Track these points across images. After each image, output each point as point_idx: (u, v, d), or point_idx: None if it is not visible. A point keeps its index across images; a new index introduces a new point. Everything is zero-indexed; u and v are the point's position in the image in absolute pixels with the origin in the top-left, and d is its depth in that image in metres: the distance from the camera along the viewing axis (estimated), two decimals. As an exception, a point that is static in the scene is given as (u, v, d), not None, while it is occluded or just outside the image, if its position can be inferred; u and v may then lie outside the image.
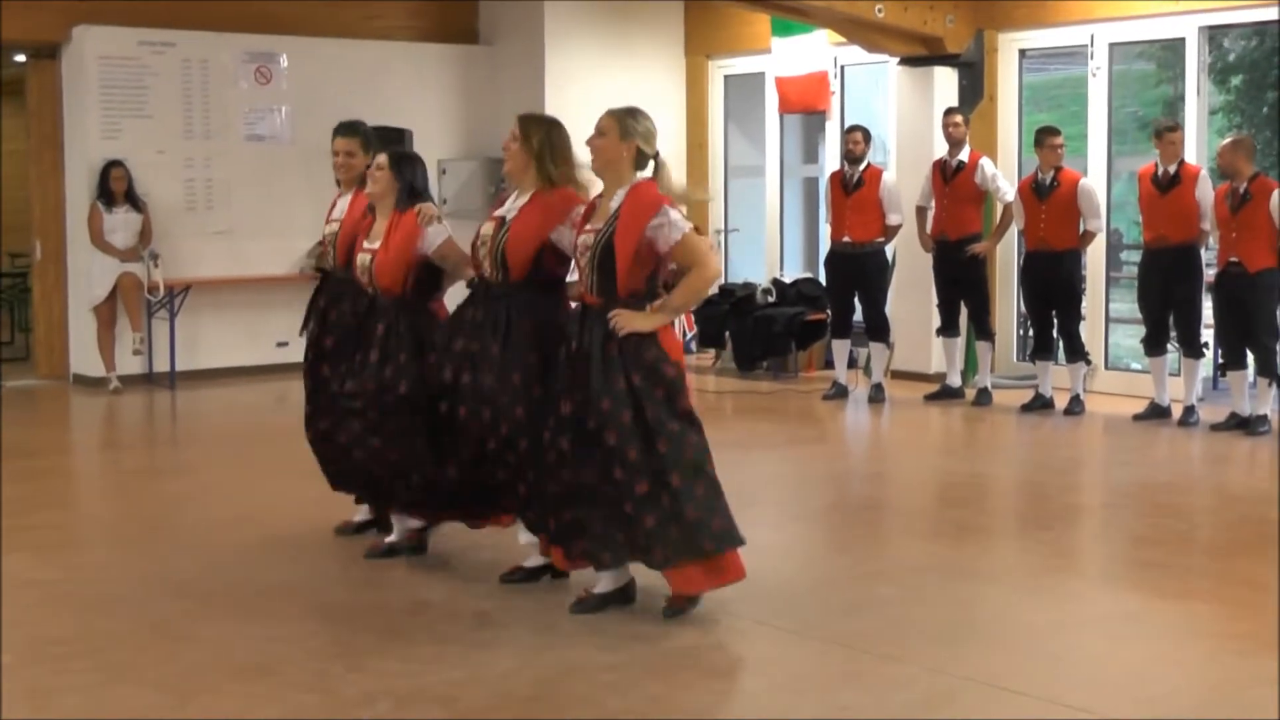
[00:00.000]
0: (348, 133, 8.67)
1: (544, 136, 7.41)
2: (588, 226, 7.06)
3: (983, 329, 13.95)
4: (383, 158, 8.07)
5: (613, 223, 6.91)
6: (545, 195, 7.37)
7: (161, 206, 15.39)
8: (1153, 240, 12.66)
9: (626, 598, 7.20)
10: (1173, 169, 12.48)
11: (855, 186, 14.11)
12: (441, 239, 7.92)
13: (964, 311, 14.05)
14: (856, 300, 14.39)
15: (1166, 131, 12.55)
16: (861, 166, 14.11)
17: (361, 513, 8.72)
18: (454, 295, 7.99)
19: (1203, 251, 12.69)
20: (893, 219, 14.12)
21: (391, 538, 8.29)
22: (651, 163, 7.06)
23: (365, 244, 8.11)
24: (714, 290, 16.47)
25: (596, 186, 7.24)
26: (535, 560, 7.65)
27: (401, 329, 7.88)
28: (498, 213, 7.55)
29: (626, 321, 6.85)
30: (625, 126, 6.99)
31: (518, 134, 7.44)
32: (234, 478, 10.86)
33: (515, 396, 7.28)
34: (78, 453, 12.94)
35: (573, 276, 7.36)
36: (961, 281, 13.89)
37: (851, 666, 6.49)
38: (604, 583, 7.17)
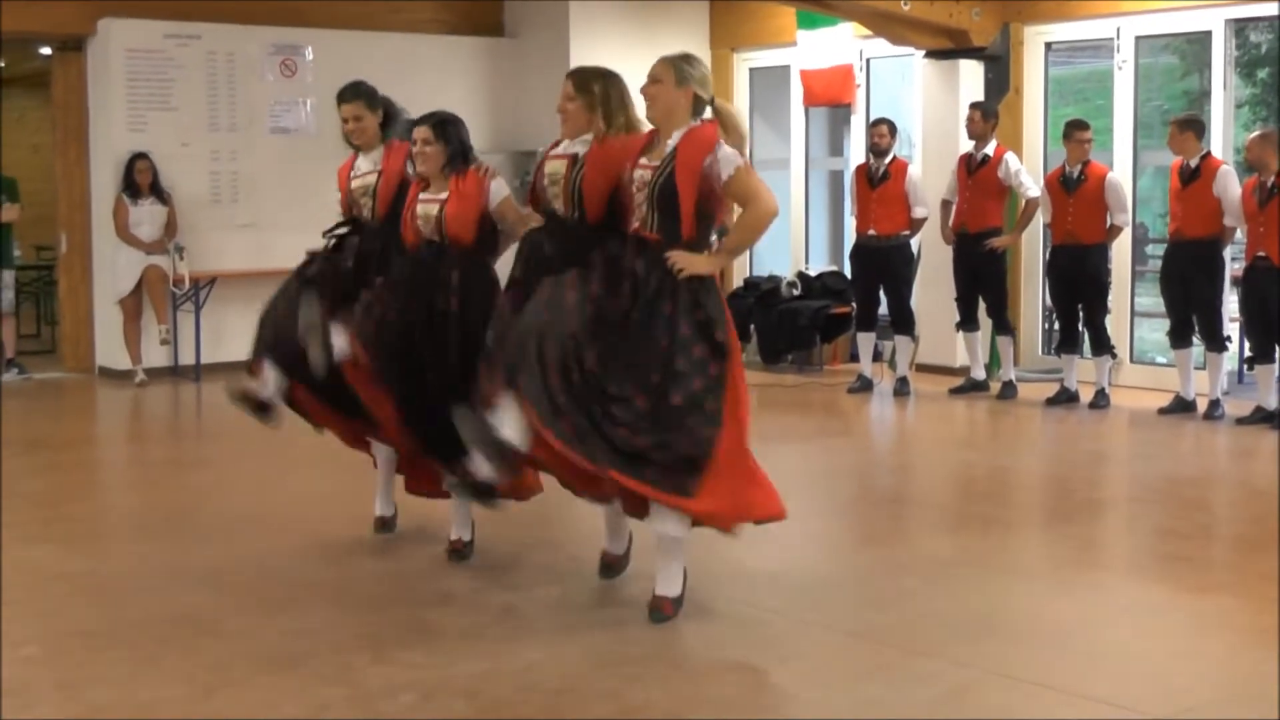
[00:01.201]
0: (350, 96, 8.47)
1: (604, 86, 7.29)
2: (643, 161, 6.93)
3: (1001, 323, 13.94)
4: (425, 131, 7.84)
5: (670, 161, 6.78)
6: (614, 139, 7.20)
7: (187, 199, 15.43)
8: (1174, 233, 12.65)
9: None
10: (1194, 163, 12.45)
11: (881, 179, 14.11)
12: (502, 195, 7.82)
13: (983, 305, 14.04)
14: (881, 293, 14.37)
15: (1175, 125, 12.55)
16: (887, 159, 14.10)
17: (380, 505, 8.68)
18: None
19: (1227, 247, 12.67)
20: (918, 212, 14.12)
21: (454, 535, 8.11)
22: (708, 108, 6.96)
23: (424, 196, 7.89)
24: (739, 282, 16.49)
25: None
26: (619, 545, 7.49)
27: (472, 280, 7.75)
28: (563, 150, 7.39)
29: (686, 263, 6.71)
30: (681, 72, 6.88)
31: (572, 90, 7.31)
32: (259, 470, 10.88)
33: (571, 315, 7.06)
34: (104, 445, 12.98)
35: None
36: (980, 275, 13.87)
37: (877, 660, 6.49)
38: (676, 580, 7.01)
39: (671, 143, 6.87)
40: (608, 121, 7.26)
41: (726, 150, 6.79)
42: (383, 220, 8.28)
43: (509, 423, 6.58)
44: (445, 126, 7.90)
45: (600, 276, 6.80)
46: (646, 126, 7.18)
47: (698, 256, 6.77)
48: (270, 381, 8.27)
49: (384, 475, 8.61)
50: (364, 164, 8.45)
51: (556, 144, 7.52)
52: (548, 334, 6.61)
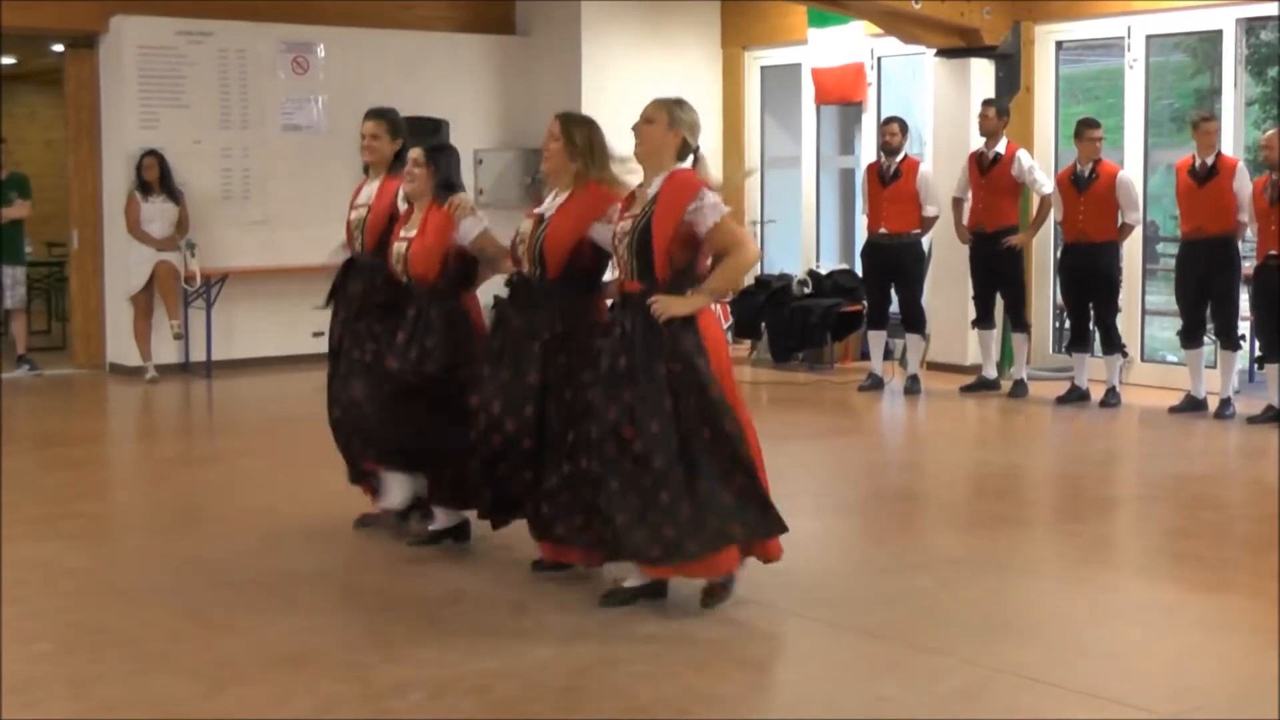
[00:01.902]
0: (375, 116, 8.71)
1: (586, 137, 7.44)
2: (626, 214, 7.07)
3: (1019, 321, 13.93)
4: (418, 153, 8.09)
5: (650, 207, 6.92)
6: (583, 193, 7.40)
7: (198, 196, 15.43)
8: (1190, 232, 12.62)
9: (657, 592, 7.16)
10: (1210, 160, 12.43)
11: (892, 178, 14.10)
12: (478, 230, 7.96)
13: (1000, 304, 14.03)
14: (893, 292, 14.37)
15: (1202, 122, 12.52)
16: (899, 158, 14.10)
17: (439, 521, 8.66)
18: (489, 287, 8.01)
19: (1240, 244, 12.66)
20: (929, 210, 14.12)
21: (435, 525, 8.29)
22: (692, 156, 7.07)
23: (402, 233, 8.14)
24: (750, 280, 16.48)
25: (634, 181, 7.23)
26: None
27: (432, 316, 7.91)
28: (536, 210, 7.58)
29: (665, 307, 6.82)
30: (674, 116, 7.01)
31: (558, 133, 7.46)
32: (270, 467, 10.89)
33: (526, 396, 7.31)
34: (114, 442, 12.99)
35: (609, 275, 7.39)
36: (998, 273, 13.86)
37: (888, 658, 6.49)
38: (635, 576, 7.15)
39: (652, 190, 7.00)
40: (581, 173, 7.42)
41: (711, 197, 6.92)
42: (371, 254, 8.51)
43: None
44: (438, 154, 8.17)
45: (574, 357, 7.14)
46: (626, 178, 7.36)
47: (676, 299, 6.89)
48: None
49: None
50: (364, 195, 8.69)
51: (539, 200, 7.72)
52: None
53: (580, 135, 7.44)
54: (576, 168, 7.41)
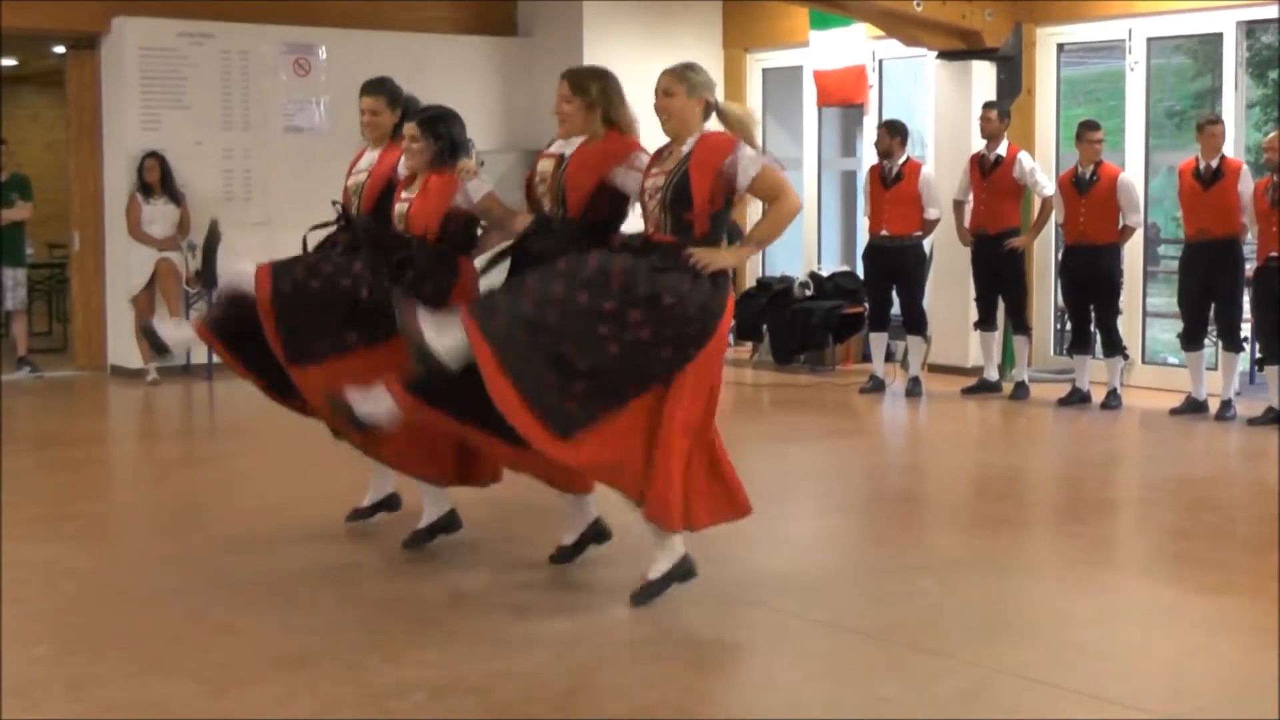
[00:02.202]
0: (373, 90, 8.57)
1: (601, 86, 7.37)
2: (655, 170, 7.04)
3: (1020, 323, 13.93)
4: (413, 128, 7.96)
5: (684, 163, 6.91)
6: (603, 139, 7.33)
7: (200, 198, 15.44)
8: (1195, 234, 12.62)
9: (686, 573, 7.15)
10: (1214, 163, 12.44)
11: (894, 180, 14.10)
12: (483, 192, 7.87)
13: (1001, 306, 14.03)
14: (894, 294, 14.37)
15: (1208, 124, 12.52)
16: (900, 160, 14.09)
17: (371, 494, 8.74)
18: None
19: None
20: (931, 213, 14.12)
21: (421, 523, 8.30)
22: (715, 113, 7.08)
23: (404, 194, 8.05)
24: (751, 282, 16.48)
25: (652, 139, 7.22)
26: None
27: (430, 258, 7.86)
28: (554, 150, 7.51)
29: (710, 258, 6.81)
30: (692, 82, 7.02)
31: (569, 92, 7.37)
32: (271, 468, 10.90)
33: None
34: (115, 443, 13.00)
35: (628, 225, 7.35)
36: (1000, 276, 13.87)
37: (889, 659, 6.48)
38: (660, 564, 7.11)
39: (685, 149, 6.98)
40: (606, 119, 7.35)
41: (748, 151, 6.92)
42: (367, 215, 8.40)
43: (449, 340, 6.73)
44: (435, 123, 8.00)
45: (586, 279, 6.83)
46: (642, 127, 7.35)
47: (720, 251, 6.92)
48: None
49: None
50: (364, 161, 8.57)
51: (551, 143, 7.63)
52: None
53: (595, 86, 7.36)
54: (595, 119, 7.32)
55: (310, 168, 15.85)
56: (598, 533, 7.84)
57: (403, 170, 8.16)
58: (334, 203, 8.58)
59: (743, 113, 7.15)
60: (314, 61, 16.19)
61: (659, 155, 7.13)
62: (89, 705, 5.91)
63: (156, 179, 15.06)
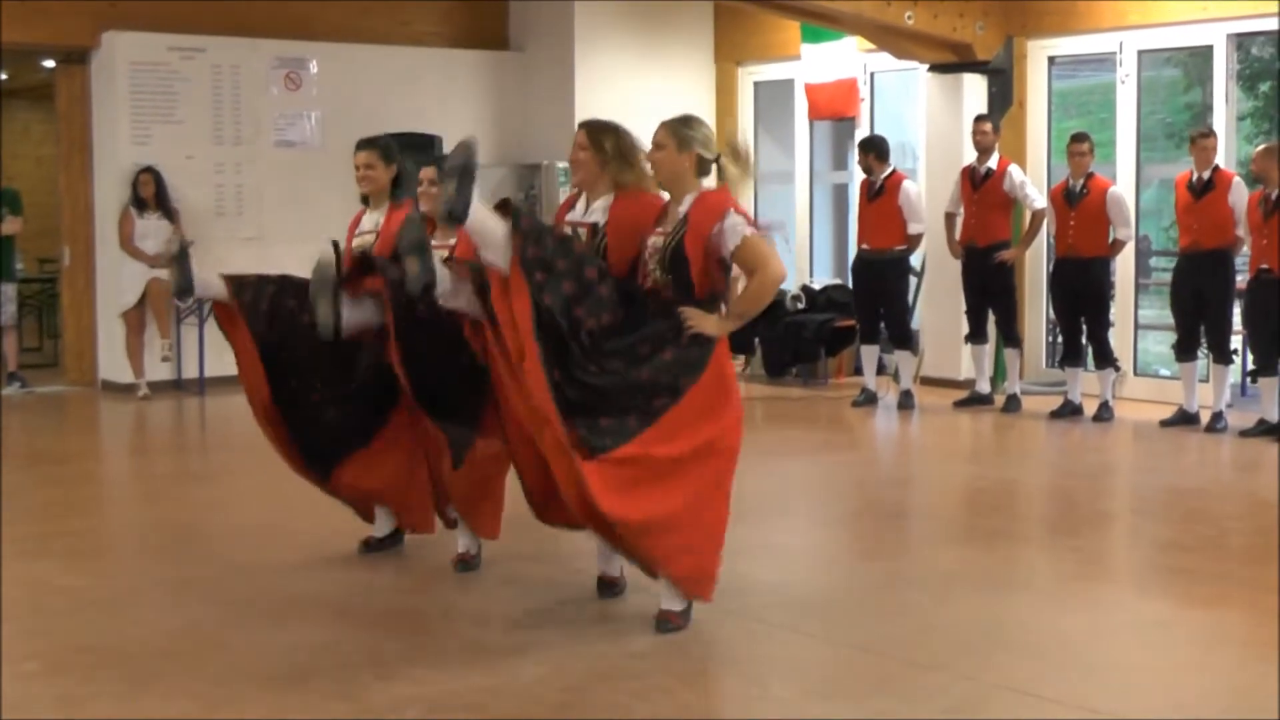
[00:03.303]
0: (367, 146, 8.58)
1: (615, 142, 7.31)
2: (658, 229, 7.01)
3: (1010, 336, 13.94)
4: (432, 172, 7.98)
5: (682, 228, 6.88)
6: (630, 199, 7.24)
7: (191, 212, 15.41)
8: (1188, 246, 12.64)
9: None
10: (1207, 174, 12.46)
11: (876, 194, 14.13)
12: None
13: (992, 318, 14.04)
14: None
15: (1200, 137, 12.54)
16: (884, 174, 14.11)
17: (382, 527, 8.68)
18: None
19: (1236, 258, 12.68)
20: (913, 228, 14.12)
21: (461, 547, 8.23)
22: (714, 167, 7.04)
23: (434, 240, 7.95)
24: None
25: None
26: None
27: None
28: (581, 219, 7.37)
29: (697, 320, 6.78)
30: (681, 137, 6.97)
31: (586, 142, 7.32)
32: (263, 484, 10.85)
33: None
34: (106, 459, 12.98)
35: None
36: (990, 288, 13.88)
37: (882, 673, 6.48)
38: (672, 599, 7.03)
39: (683, 209, 6.96)
40: (617, 180, 7.28)
41: (733, 218, 6.86)
42: None
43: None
44: (461, 174, 7.94)
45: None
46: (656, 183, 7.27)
47: (709, 316, 6.85)
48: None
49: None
50: (367, 222, 8.61)
51: (570, 202, 7.55)
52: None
53: (609, 142, 7.31)
54: (611, 175, 7.28)
55: (302, 182, 15.87)
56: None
57: (422, 207, 8.19)
58: (333, 242, 8.57)
59: (738, 173, 7.09)
60: (305, 76, 16.18)
61: (662, 213, 7.08)
62: (81, 723, 5.90)
63: (151, 194, 15.04)
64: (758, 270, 6.89)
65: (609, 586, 7.56)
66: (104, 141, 15.60)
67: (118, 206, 15.20)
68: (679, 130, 6.99)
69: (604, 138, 7.32)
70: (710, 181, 7.07)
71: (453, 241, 7.81)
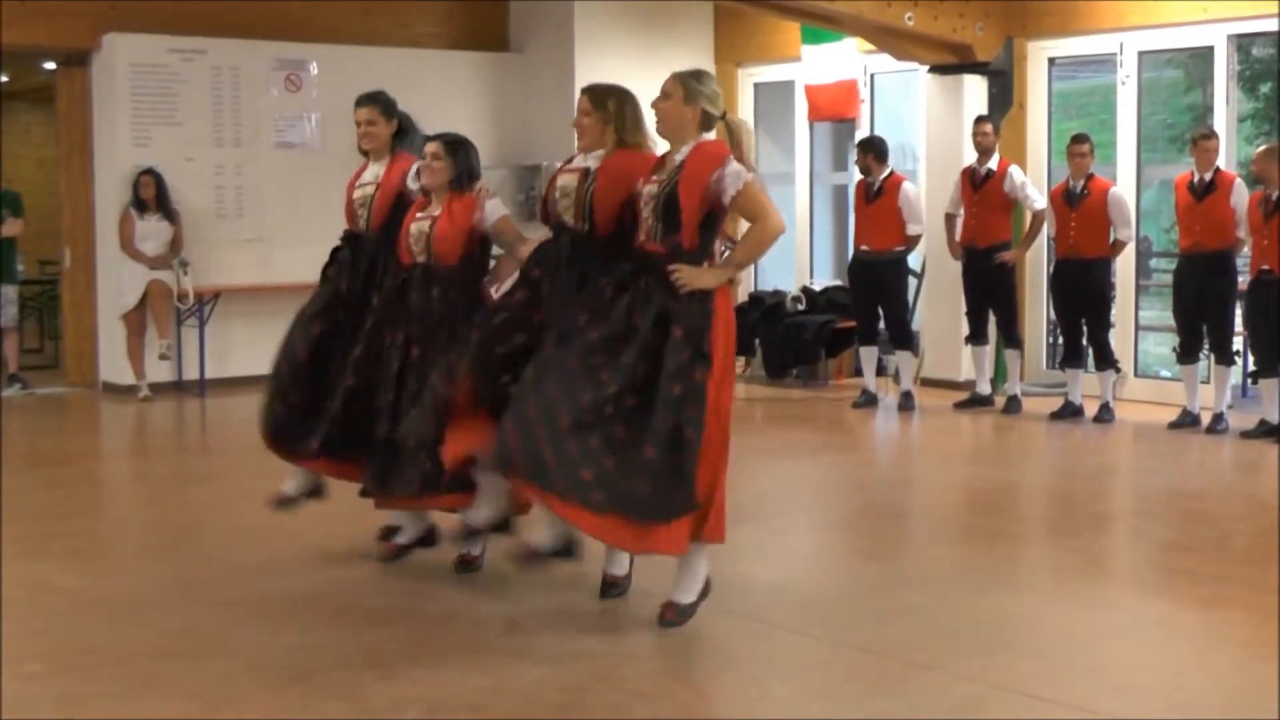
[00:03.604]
0: (368, 102, 8.59)
1: (619, 102, 7.41)
2: (652, 178, 7.02)
3: (1011, 337, 13.94)
4: (437, 146, 8.00)
5: (677, 174, 6.88)
6: (628, 153, 7.32)
7: (191, 214, 15.41)
8: (1189, 247, 12.63)
9: (707, 592, 7.14)
10: (1208, 176, 12.46)
11: (875, 195, 14.12)
12: (499, 214, 7.95)
13: (993, 320, 14.04)
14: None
15: (1202, 139, 12.54)
16: (883, 175, 14.11)
17: (406, 534, 8.59)
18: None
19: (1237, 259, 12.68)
20: (912, 229, 14.12)
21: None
22: (720, 123, 7.05)
23: (420, 213, 8.03)
24: (744, 297, 16.47)
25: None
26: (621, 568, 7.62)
27: (453, 296, 7.88)
28: (574, 165, 7.50)
29: (691, 278, 6.76)
30: (690, 89, 6.97)
31: (588, 106, 7.45)
32: (264, 486, 10.80)
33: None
34: (107, 460, 12.97)
35: None
36: (990, 289, 13.88)
37: (883, 674, 6.48)
38: (690, 587, 7.07)
39: (679, 157, 6.95)
40: (620, 138, 7.36)
41: (735, 166, 6.86)
42: (377, 232, 8.40)
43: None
44: (457, 146, 8.05)
45: (596, 319, 6.95)
46: (658, 145, 7.30)
47: (702, 271, 6.83)
48: (294, 483, 8.51)
49: None
50: (368, 174, 8.54)
51: (570, 160, 7.63)
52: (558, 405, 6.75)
53: (613, 102, 7.41)
54: (615, 135, 7.36)
55: (302, 183, 15.86)
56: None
57: (411, 183, 8.21)
58: (336, 249, 8.59)
59: (741, 130, 7.11)
60: (305, 77, 16.17)
61: (659, 163, 7.10)
62: (82, 724, 5.90)
63: (152, 195, 15.03)
64: (759, 218, 6.92)
65: (612, 586, 7.57)
66: (104, 143, 15.59)
67: (118, 208, 15.19)
68: (688, 82, 7.00)
69: (607, 99, 7.45)
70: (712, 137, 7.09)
71: (436, 213, 7.87)
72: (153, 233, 15.06)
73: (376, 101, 8.61)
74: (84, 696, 6.18)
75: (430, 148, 8.03)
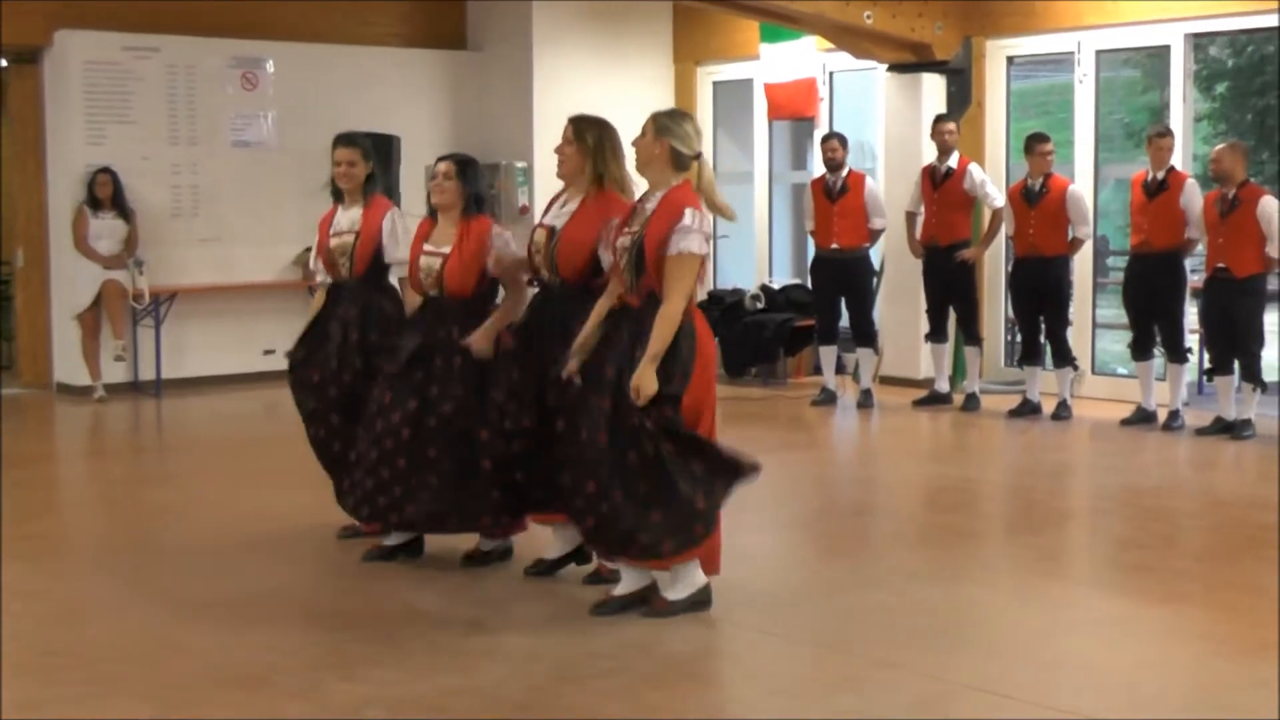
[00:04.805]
0: (348, 143, 8.75)
1: (598, 136, 7.52)
2: (626, 229, 7.06)
3: (971, 334, 13.97)
4: (447, 166, 8.04)
5: (644, 227, 6.93)
6: (595, 201, 7.47)
7: (147, 213, 15.31)
8: (1138, 245, 12.68)
9: (702, 602, 7.22)
10: (1162, 175, 12.50)
11: (840, 193, 14.12)
12: (511, 258, 7.96)
13: (953, 317, 14.07)
14: (843, 306, 14.39)
15: (1157, 136, 12.59)
16: (844, 173, 14.13)
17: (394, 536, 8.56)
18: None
19: (1188, 258, 12.71)
20: (876, 223, 14.16)
21: (390, 540, 8.26)
22: (695, 164, 7.08)
23: (428, 247, 8.02)
24: (703, 295, 16.45)
25: (644, 188, 7.28)
26: (556, 550, 7.86)
27: (471, 327, 7.88)
28: (546, 220, 7.67)
29: (643, 388, 6.82)
30: (660, 125, 7.04)
31: (571, 135, 7.57)
32: (222, 486, 10.82)
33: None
34: (63, 462, 12.89)
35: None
36: (950, 287, 13.90)
37: (845, 672, 6.49)
38: (625, 584, 7.23)
39: (650, 206, 7.03)
40: (595, 173, 7.51)
41: (688, 223, 6.90)
42: (360, 279, 8.60)
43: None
44: (468, 168, 8.10)
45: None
46: (637, 182, 7.40)
47: (647, 377, 6.81)
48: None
49: None
50: (343, 221, 8.69)
51: (553, 201, 7.80)
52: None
53: (592, 135, 7.53)
54: (592, 168, 7.50)
55: (258, 182, 15.80)
56: (579, 552, 7.90)
57: (387, 239, 8.44)
58: (316, 277, 8.62)
59: (709, 189, 7.13)
60: (261, 75, 16.10)
61: (633, 211, 7.15)
62: (41, 726, 5.87)
63: (108, 195, 14.91)
64: (668, 295, 6.90)
65: (599, 575, 7.73)
66: (58, 142, 15.47)
67: (71, 207, 15.09)
68: (659, 118, 7.10)
69: (587, 131, 7.57)
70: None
71: (446, 250, 7.88)
72: (107, 231, 14.96)
73: (357, 144, 8.78)
74: (44, 700, 6.15)
75: (441, 167, 8.10)
